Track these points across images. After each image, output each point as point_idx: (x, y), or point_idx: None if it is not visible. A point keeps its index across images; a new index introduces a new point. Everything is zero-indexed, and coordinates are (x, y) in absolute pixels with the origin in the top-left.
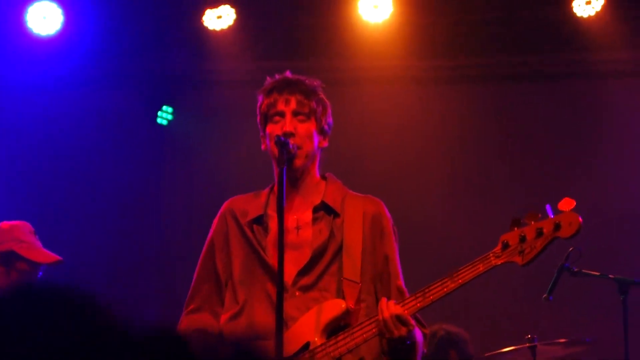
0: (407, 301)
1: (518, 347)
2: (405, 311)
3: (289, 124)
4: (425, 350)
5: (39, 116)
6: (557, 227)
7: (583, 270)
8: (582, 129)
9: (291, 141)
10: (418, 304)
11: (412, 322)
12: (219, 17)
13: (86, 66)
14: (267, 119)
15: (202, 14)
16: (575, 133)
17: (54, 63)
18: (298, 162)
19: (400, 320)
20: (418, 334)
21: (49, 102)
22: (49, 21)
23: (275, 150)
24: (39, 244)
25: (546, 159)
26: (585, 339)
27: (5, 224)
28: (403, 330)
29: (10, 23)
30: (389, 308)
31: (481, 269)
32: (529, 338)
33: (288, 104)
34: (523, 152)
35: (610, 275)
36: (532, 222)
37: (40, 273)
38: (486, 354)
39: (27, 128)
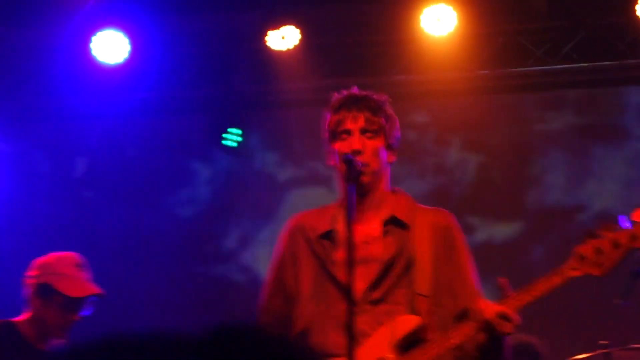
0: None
1: (593, 354)
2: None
3: (357, 142)
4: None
5: (107, 145)
6: (634, 238)
7: None
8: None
9: (359, 158)
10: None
11: (517, 317)
12: (283, 37)
13: (153, 92)
14: (334, 136)
15: (265, 34)
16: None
17: (122, 92)
18: (366, 179)
19: (503, 316)
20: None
21: (118, 130)
22: (115, 49)
23: (343, 168)
24: (83, 276)
25: (611, 167)
26: None
27: (52, 256)
28: (508, 327)
29: (77, 52)
30: (490, 307)
31: (559, 281)
32: (603, 344)
33: (356, 122)
34: (585, 159)
35: None
36: (608, 234)
37: (92, 308)
38: None
39: (95, 157)
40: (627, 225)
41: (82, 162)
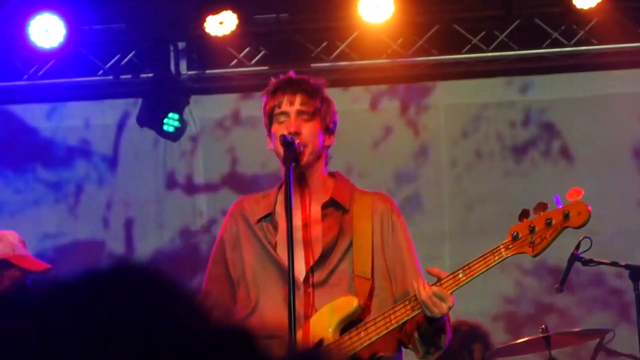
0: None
1: (532, 337)
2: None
3: (293, 123)
4: (451, 336)
5: (44, 129)
6: (567, 216)
7: (594, 259)
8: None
9: (296, 140)
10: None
11: (452, 298)
12: (221, 22)
13: (90, 77)
14: (272, 119)
15: (204, 20)
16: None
17: (58, 75)
18: (304, 160)
19: (439, 297)
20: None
21: (54, 114)
22: (52, 33)
23: (281, 150)
24: (28, 253)
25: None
26: (600, 328)
27: None
28: (444, 308)
29: (13, 35)
30: (425, 288)
31: (492, 260)
32: (543, 329)
33: (292, 104)
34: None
35: (621, 263)
36: (541, 213)
37: (28, 281)
38: (501, 346)
39: (31, 141)
40: (561, 204)
41: None
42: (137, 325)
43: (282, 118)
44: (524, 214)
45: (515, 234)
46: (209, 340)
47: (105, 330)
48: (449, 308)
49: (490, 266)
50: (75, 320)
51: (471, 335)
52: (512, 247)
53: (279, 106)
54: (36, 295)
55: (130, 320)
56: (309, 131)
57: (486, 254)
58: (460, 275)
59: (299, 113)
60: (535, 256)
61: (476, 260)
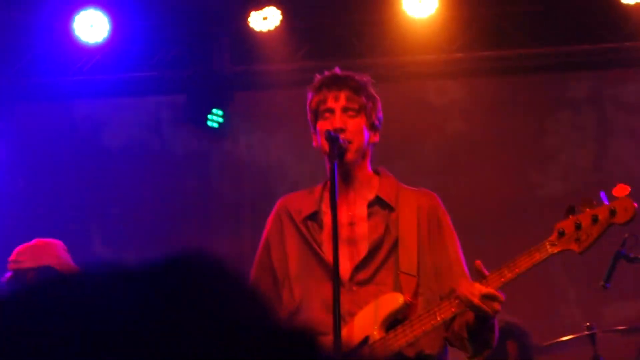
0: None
1: (577, 335)
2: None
3: (338, 119)
4: (497, 336)
5: (90, 125)
6: (613, 213)
7: (639, 256)
8: (630, 116)
9: (341, 136)
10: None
11: (501, 295)
12: (265, 18)
13: (134, 72)
14: (317, 115)
15: (248, 15)
16: (621, 122)
17: (103, 71)
18: (349, 157)
19: (488, 297)
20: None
21: (99, 110)
22: (96, 29)
23: (326, 146)
24: (71, 261)
25: (594, 148)
26: None
27: (41, 240)
28: (496, 305)
29: (59, 32)
30: (473, 291)
31: (538, 257)
32: (588, 326)
33: (337, 100)
34: (569, 140)
35: None
36: (587, 210)
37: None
38: (545, 343)
39: (77, 137)
40: (607, 200)
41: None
42: (203, 318)
43: (328, 114)
44: (570, 210)
45: (561, 230)
46: (273, 337)
47: (170, 323)
48: (501, 304)
49: (535, 263)
50: (137, 313)
51: (506, 331)
52: (557, 244)
53: (324, 102)
54: (94, 285)
55: (195, 311)
56: (354, 127)
57: (531, 250)
58: (506, 272)
59: (345, 109)
60: (581, 253)
61: (521, 256)
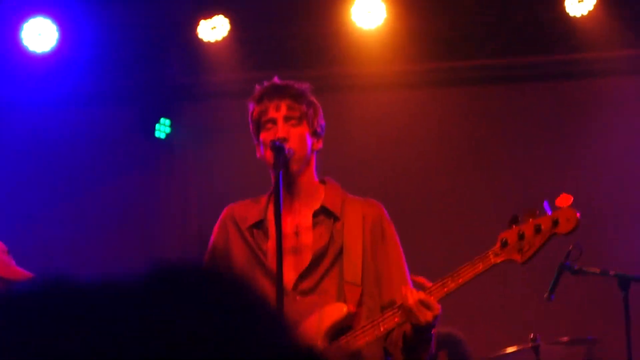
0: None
1: (521, 347)
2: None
3: (281, 129)
4: (433, 351)
5: (35, 133)
6: (555, 223)
7: (583, 268)
8: (577, 127)
9: (286, 146)
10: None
11: (438, 307)
12: (214, 27)
13: (82, 81)
14: (259, 126)
15: (197, 25)
16: (570, 132)
17: (50, 80)
18: (294, 167)
19: (424, 304)
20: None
21: (46, 119)
22: (45, 38)
23: (270, 156)
24: (12, 262)
25: (543, 158)
26: (588, 337)
27: None
28: (429, 315)
29: (6, 40)
30: (412, 294)
31: (481, 267)
32: (532, 338)
33: (278, 110)
34: (520, 152)
35: (610, 272)
36: (530, 220)
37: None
38: (491, 356)
39: (23, 146)
40: (550, 210)
41: None
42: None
43: (270, 125)
44: (514, 220)
45: (504, 240)
46: (285, 354)
47: (179, 337)
48: (435, 317)
49: (478, 273)
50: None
51: (442, 341)
52: (500, 254)
53: (265, 113)
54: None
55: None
56: (297, 136)
57: (475, 260)
58: (449, 282)
59: (286, 118)
60: (523, 264)
61: (464, 267)
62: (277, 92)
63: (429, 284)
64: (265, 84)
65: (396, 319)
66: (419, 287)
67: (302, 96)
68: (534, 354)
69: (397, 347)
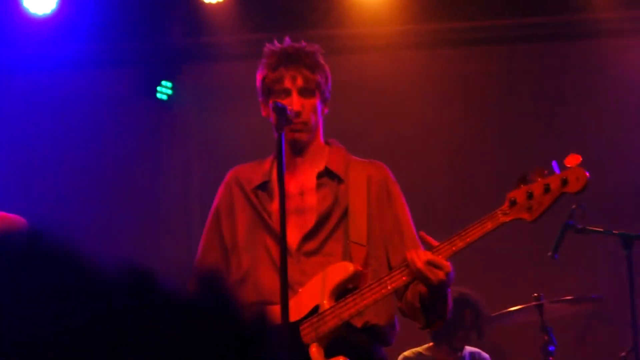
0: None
1: (525, 305)
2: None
3: (296, 102)
4: (452, 306)
5: (36, 96)
6: (565, 182)
7: (587, 227)
8: (579, 88)
9: (296, 120)
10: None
11: (448, 264)
12: None
13: (83, 44)
14: (270, 92)
15: None
16: (573, 92)
17: (51, 42)
18: (304, 137)
19: (433, 264)
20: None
21: (46, 82)
22: (45, 0)
23: (274, 116)
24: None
25: (546, 119)
26: (592, 295)
27: None
28: (441, 274)
29: (6, 3)
30: (420, 255)
31: (490, 226)
32: (535, 296)
33: (294, 81)
34: (523, 113)
35: (614, 231)
36: (539, 179)
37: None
38: (494, 314)
39: (23, 109)
40: (559, 170)
41: None
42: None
43: (283, 95)
44: (522, 180)
45: (512, 199)
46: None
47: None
48: (446, 275)
49: (487, 232)
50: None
51: (462, 301)
52: (509, 213)
53: (280, 82)
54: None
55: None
56: (310, 108)
57: (483, 219)
58: (457, 241)
59: (301, 91)
60: (533, 222)
61: (473, 225)
62: (292, 61)
63: (436, 243)
64: (278, 46)
65: (404, 278)
66: (427, 245)
67: (317, 66)
68: (537, 312)
69: (415, 307)
